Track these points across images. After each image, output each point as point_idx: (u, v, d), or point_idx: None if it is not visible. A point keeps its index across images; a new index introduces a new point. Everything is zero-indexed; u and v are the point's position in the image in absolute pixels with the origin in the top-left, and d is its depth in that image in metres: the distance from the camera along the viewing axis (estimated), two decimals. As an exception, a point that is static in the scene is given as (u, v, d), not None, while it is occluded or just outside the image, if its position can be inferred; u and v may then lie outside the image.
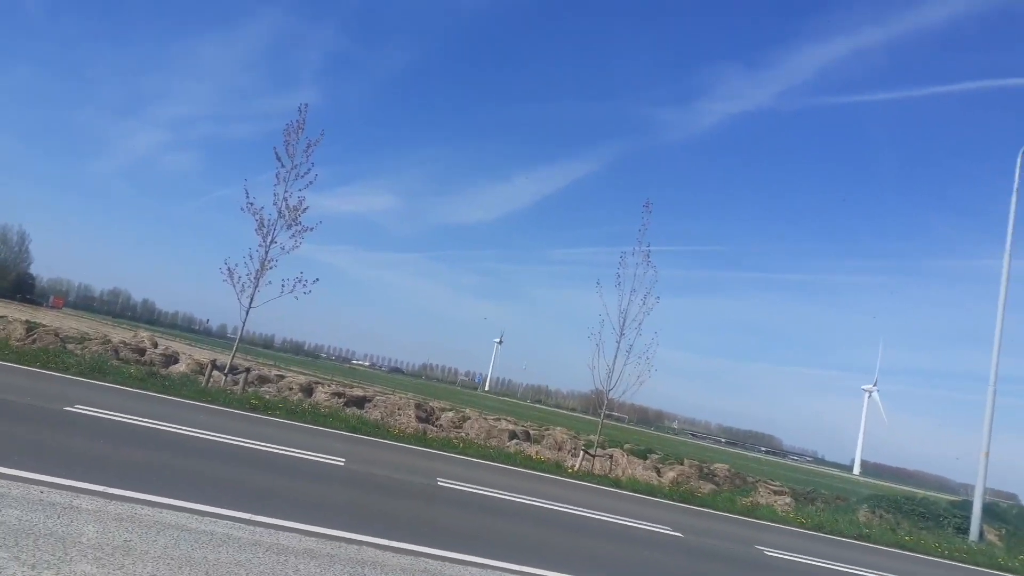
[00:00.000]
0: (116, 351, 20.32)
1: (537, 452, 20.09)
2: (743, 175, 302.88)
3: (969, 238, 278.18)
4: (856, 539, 17.08)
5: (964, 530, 20.00)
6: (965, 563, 16.94)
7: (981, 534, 19.85)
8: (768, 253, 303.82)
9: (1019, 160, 20.85)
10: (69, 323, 38.36)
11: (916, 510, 21.36)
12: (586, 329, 19.47)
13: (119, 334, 33.85)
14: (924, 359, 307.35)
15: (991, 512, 21.88)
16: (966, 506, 21.17)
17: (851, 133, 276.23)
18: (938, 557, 16.96)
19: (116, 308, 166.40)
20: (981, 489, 19.72)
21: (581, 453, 19.29)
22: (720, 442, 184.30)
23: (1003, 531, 21.30)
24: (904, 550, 17.02)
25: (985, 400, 20.14)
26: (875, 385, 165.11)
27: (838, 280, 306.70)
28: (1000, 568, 17.11)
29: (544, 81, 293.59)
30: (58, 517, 5.23)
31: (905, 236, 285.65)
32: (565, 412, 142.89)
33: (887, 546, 17.07)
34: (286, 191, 18.45)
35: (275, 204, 18.41)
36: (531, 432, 23.64)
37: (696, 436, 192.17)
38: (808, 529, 17.12)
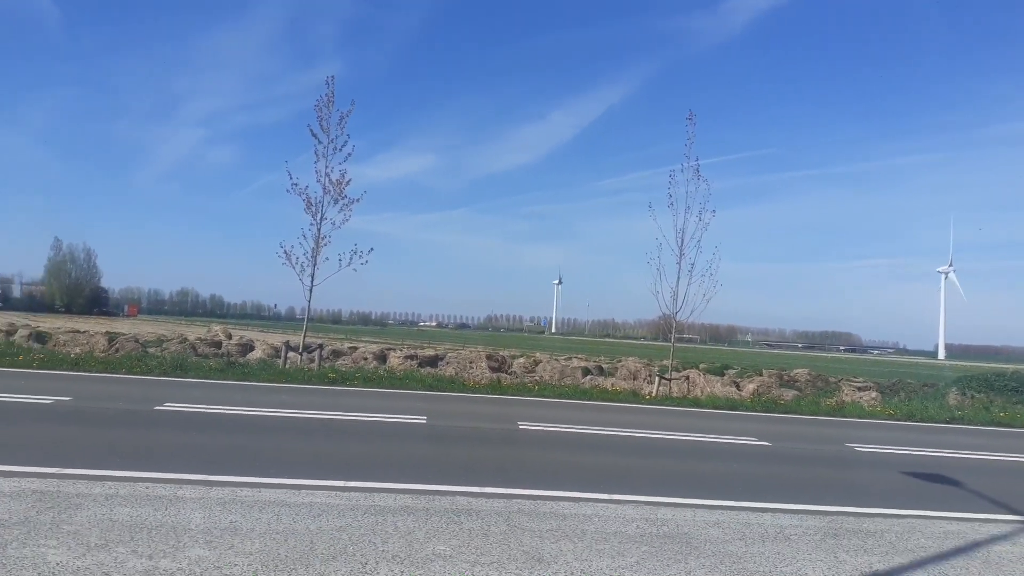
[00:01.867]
0: (194, 348, 21.09)
1: (613, 384, 20.21)
2: (783, 70, 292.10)
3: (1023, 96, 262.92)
4: (949, 423, 16.78)
5: (1062, 398, 19.42)
6: (1067, 431, 16.49)
7: (1080, 400, 19.24)
8: (820, 147, 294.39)
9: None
10: (146, 328, 39.93)
11: (1008, 385, 20.82)
12: (645, 256, 19.33)
13: (194, 331, 35.11)
14: (998, 231, 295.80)
15: (1089, 376, 21.15)
16: (1061, 374, 20.50)
17: (888, 5, 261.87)
18: (1037, 429, 16.54)
19: (187, 307, 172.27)
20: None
21: (657, 379, 19.30)
22: (797, 348, 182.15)
23: (1103, 393, 20.59)
24: (999, 426, 16.67)
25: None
26: (951, 265, 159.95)
27: (897, 163, 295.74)
28: (1105, 431, 16.60)
29: (565, 8, 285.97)
30: (166, 509, 5.52)
31: (959, 105, 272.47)
32: (635, 342, 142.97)
33: (982, 425, 16.75)
34: (327, 167, 18.65)
35: (318, 181, 18.64)
36: (604, 366, 23.74)
37: (772, 345, 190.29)
38: (898, 420, 16.89)
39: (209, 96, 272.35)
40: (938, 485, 8.93)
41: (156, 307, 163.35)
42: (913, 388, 22.60)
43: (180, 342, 21.82)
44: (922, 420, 16.96)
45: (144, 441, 8.61)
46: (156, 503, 5.65)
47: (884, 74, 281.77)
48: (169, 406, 11.29)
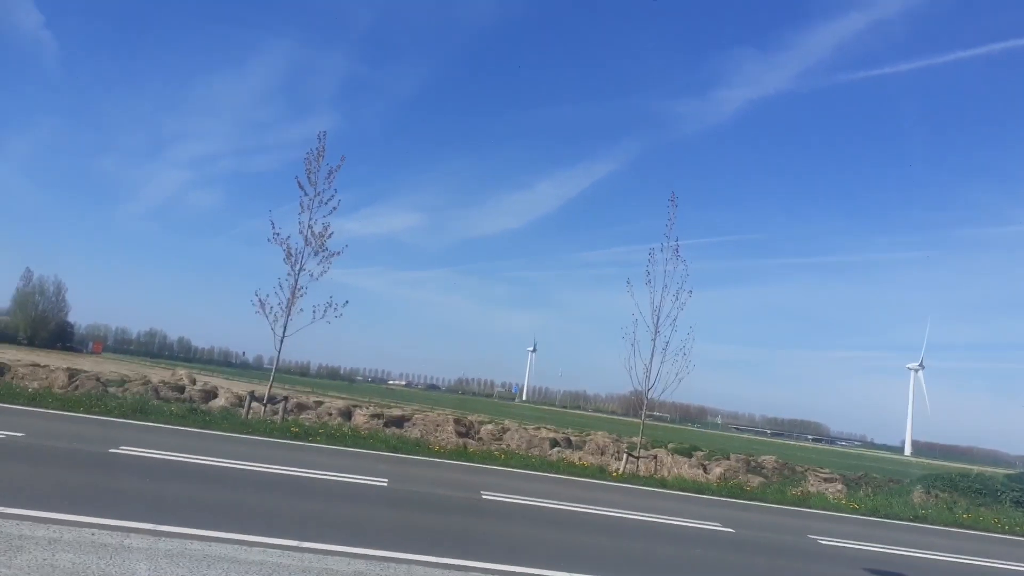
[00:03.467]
0: (156, 391, 20.64)
1: (580, 458, 19.99)
2: (767, 160, 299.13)
3: (1006, 202, 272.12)
4: (912, 521, 16.73)
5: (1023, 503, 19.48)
6: (1028, 537, 16.50)
7: (1042, 506, 19.31)
8: (800, 237, 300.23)
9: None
10: (109, 367, 39.09)
11: (972, 487, 20.86)
12: (620, 330, 19.31)
13: (158, 374, 34.41)
14: (971, 332, 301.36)
15: (1051, 483, 21.28)
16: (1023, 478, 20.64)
17: (874, 107, 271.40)
18: (999, 533, 16.55)
19: (153, 348, 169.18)
20: (1038, 460, 19.20)
21: (624, 456, 19.13)
22: (766, 434, 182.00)
23: (1065, 501, 20.71)
24: (963, 528, 16.63)
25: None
26: (920, 364, 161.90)
27: (874, 258, 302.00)
28: (1065, 540, 16.63)
29: (558, 84, 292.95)
30: (110, 557, 5.30)
31: (939, 206, 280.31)
32: (605, 416, 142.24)
33: (945, 526, 16.70)
34: (311, 218, 18.62)
35: (301, 232, 18.56)
36: (572, 438, 23.55)
37: (741, 429, 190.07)
38: (862, 514, 16.81)
39: (199, 140, 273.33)
40: (901, 585, 8.84)
41: (122, 346, 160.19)
42: (879, 483, 22.58)
43: (143, 384, 21.36)
44: (886, 516, 16.88)
45: (95, 484, 8.33)
46: (101, 551, 5.43)
47: (868, 170, 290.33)
48: (125, 449, 10.97)
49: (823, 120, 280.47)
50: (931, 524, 16.66)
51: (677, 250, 19.21)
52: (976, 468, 29.89)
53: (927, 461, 78.17)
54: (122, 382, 21.43)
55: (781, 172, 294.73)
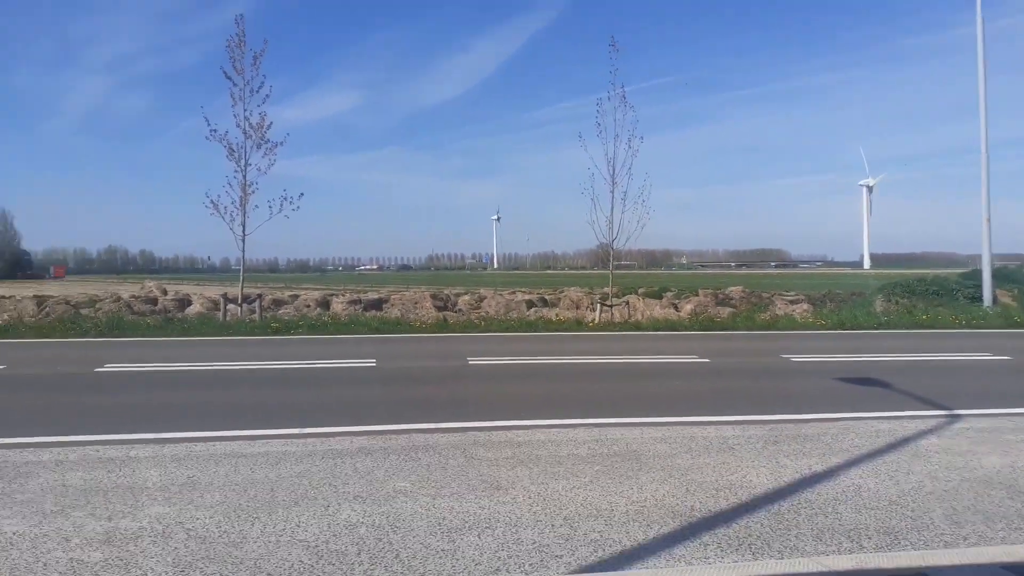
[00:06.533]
0: (129, 306, 20.49)
1: (557, 314, 20.51)
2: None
3: (942, 9, 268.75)
4: (876, 329, 17.63)
5: (977, 298, 20.54)
6: (982, 328, 17.54)
7: (994, 298, 20.37)
8: (743, 69, 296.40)
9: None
10: (76, 289, 38.49)
11: (929, 289, 21.87)
12: (579, 186, 19.37)
13: (127, 289, 34.01)
14: (918, 142, 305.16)
15: (1001, 276, 22.35)
16: (976, 275, 21.63)
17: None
18: (956, 328, 17.54)
19: (116, 265, 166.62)
20: (988, 256, 20.06)
21: (598, 306, 19.67)
22: (731, 267, 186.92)
23: (1015, 291, 21.84)
24: (923, 328, 17.59)
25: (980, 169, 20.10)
26: (871, 178, 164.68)
27: (819, 80, 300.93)
28: (1016, 325, 17.72)
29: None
30: (120, 470, 5.47)
31: (879, 21, 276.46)
32: (576, 272, 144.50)
33: (906, 328, 17.64)
34: (246, 110, 17.97)
35: (238, 126, 17.97)
36: (547, 297, 24.03)
37: (706, 266, 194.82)
38: (829, 329, 17.65)
39: (112, 40, 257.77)
40: (869, 388, 9.44)
41: (84, 267, 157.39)
42: (842, 298, 23.56)
43: (114, 301, 21.16)
44: (852, 328, 17.76)
45: (89, 404, 8.44)
46: (109, 465, 5.60)
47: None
48: (110, 367, 11.04)
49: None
50: (893, 329, 17.59)
51: (624, 97, 19.01)
52: (932, 272, 31.15)
53: (886, 272, 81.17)
54: (93, 302, 21.20)
55: (720, 5, 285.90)
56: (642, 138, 18.87)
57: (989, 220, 19.93)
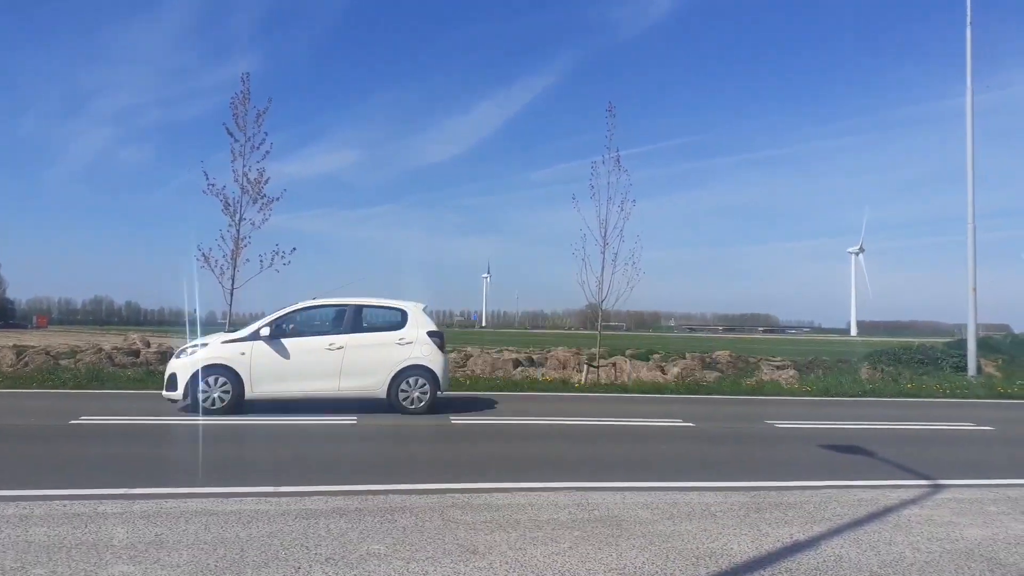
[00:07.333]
0: (110, 358, 20.25)
1: (543, 374, 20.40)
2: (702, 60, 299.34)
3: (933, 80, 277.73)
4: (861, 396, 17.62)
5: (962, 367, 20.64)
6: (967, 397, 17.58)
7: (979, 368, 20.49)
8: (738, 135, 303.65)
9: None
10: (57, 339, 38.08)
11: (914, 358, 21.98)
12: (570, 246, 19.51)
13: (109, 341, 33.63)
14: (909, 210, 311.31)
15: (986, 345, 22.55)
16: (961, 344, 21.79)
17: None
18: (941, 397, 17.57)
19: (101, 316, 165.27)
20: (973, 325, 20.23)
21: (585, 367, 19.60)
22: (719, 330, 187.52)
23: (999, 361, 22.01)
24: (908, 397, 17.60)
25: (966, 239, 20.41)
26: (860, 248, 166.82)
27: (813, 147, 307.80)
28: (1000, 396, 17.77)
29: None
30: (85, 526, 5.32)
31: (871, 91, 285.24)
32: (563, 332, 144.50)
33: (891, 397, 17.65)
34: (244, 165, 18.07)
35: (236, 181, 18.04)
36: (534, 357, 23.92)
37: (694, 329, 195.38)
38: (815, 396, 17.62)
39: (120, 92, 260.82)
40: (853, 456, 9.38)
41: (68, 317, 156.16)
42: (828, 365, 23.59)
43: (95, 352, 20.90)
44: (837, 395, 17.75)
45: (60, 456, 8.26)
46: (75, 521, 5.45)
47: (801, 62, 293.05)
48: (85, 419, 10.85)
49: (754, 12, 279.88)
50: (879, 397, 17.58)
51: (619, 160, 19.29)
52: (918, 340, 31.34)
53: (872, 339, 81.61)
54: (73, 353, 20.95)
55: (715, 72, 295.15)
56: (634, 201, 19.10)
57: (975, 290, 20.16)
